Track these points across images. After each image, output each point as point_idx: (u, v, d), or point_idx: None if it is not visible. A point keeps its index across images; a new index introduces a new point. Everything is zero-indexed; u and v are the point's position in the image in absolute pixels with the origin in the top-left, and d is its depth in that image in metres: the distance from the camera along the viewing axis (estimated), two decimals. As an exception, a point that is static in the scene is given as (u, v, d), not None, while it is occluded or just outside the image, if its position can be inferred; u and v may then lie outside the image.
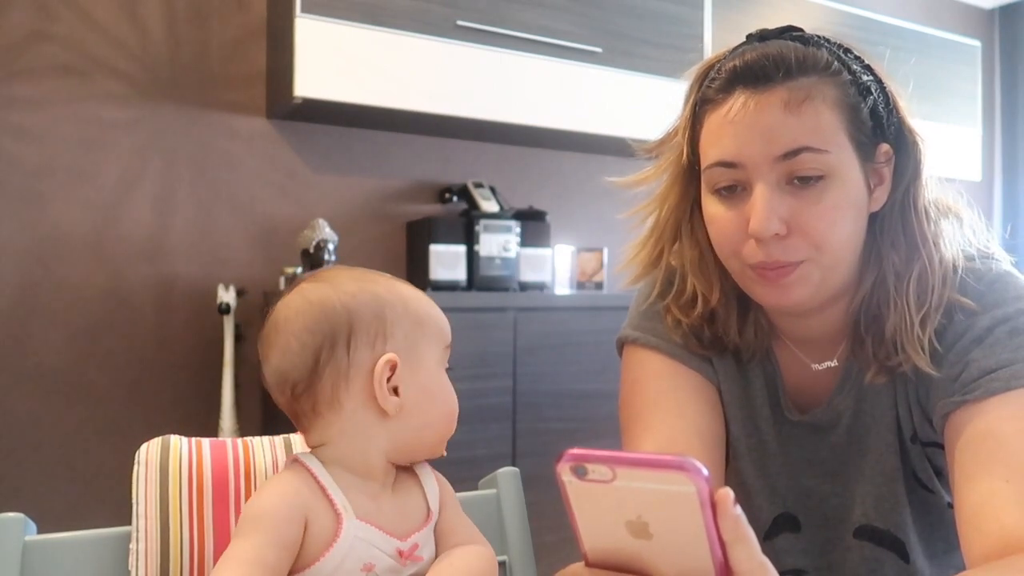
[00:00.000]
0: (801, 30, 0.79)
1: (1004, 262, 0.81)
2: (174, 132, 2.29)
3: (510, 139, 2.73)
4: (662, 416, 0.83)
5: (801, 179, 0.73)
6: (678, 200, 0.85)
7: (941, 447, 0.78)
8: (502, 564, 0.84)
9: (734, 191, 0.76)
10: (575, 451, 0.44)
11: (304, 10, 2.11)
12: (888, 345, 0.78)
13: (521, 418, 2.25)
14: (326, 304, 0.67)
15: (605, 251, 2.81)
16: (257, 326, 2.37)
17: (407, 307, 0.70)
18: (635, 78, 2.64)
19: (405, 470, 0.73)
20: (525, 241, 2.51)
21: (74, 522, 0.92)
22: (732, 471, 0.92)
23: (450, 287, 2.37)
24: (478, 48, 2.37)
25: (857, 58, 0.77)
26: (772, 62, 0.73)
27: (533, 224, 2.55)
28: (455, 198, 2.56)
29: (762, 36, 0.79)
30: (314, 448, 0.69)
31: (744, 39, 0.80)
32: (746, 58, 0.75)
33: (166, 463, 0.79)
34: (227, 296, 2.23)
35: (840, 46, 0.78)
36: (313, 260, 2.21)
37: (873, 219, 0.79)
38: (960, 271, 0.78)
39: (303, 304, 0.68)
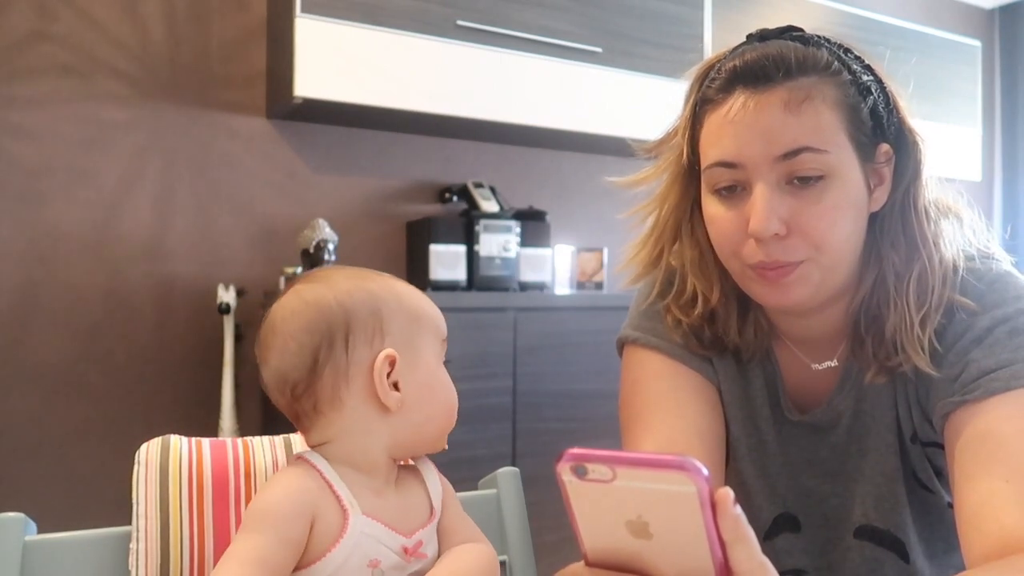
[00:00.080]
0: (801, 30, 0.79)
1: (1004, 262, 0.81)
2: (174, 132, 2.29)
3: (510, 139, 2.73)
4: (662, 416, 0.83)
5: (801, 179, 0.73)
6: (678, 200, 0.85)
7: (941, 447, 0.78)
8: (502, 564, 0.84)
9: (734, 191, 0.76)
10: (575, 451, 0.44)
11: (304, 10, 2.11)
12: (888, 345, 0.78)
13: (521, 418, 2.25)
14: (322, 303, 0.68)
15: (605, 251, 2.81)
16: (257, 326, 2.37)
17: (402, 303, 0.70)
18: (635, 78, 2.64)
19: (407, 468, 0.73)
20: (525, 241, 2.51)
21: (74, 522, 0.92)
22: (732, 471, 0.92)
23: (450, 287, 2.37)
24: (478, 48, 2.37)
25: (857, 58, 0.77)
26: (772, 62, 0.73)
27: (533, 224, 2.55)
28: (455, 198, 2.57)
29: (762, 36, 0.79)
30: (316, 447, 0.69)
31: (744, 39, 0.80)
32: (746, 58, 0.75)
33: (166, 463, 0.79)
34: (227, 296, 2.23)
35: (840, 46, 0.78)
36: (313, 260, 2.21)
37: (873, 219, 0.79)
38: (960, 271, 0.78)
39: (299, 304, 0.68)
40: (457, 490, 0.77)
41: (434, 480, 0.73)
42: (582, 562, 0.48)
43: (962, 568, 0.68)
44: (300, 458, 0.69)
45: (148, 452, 0.80)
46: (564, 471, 0.44)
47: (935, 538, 0.87)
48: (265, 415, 2.38)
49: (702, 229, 0.83)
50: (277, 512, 0.62)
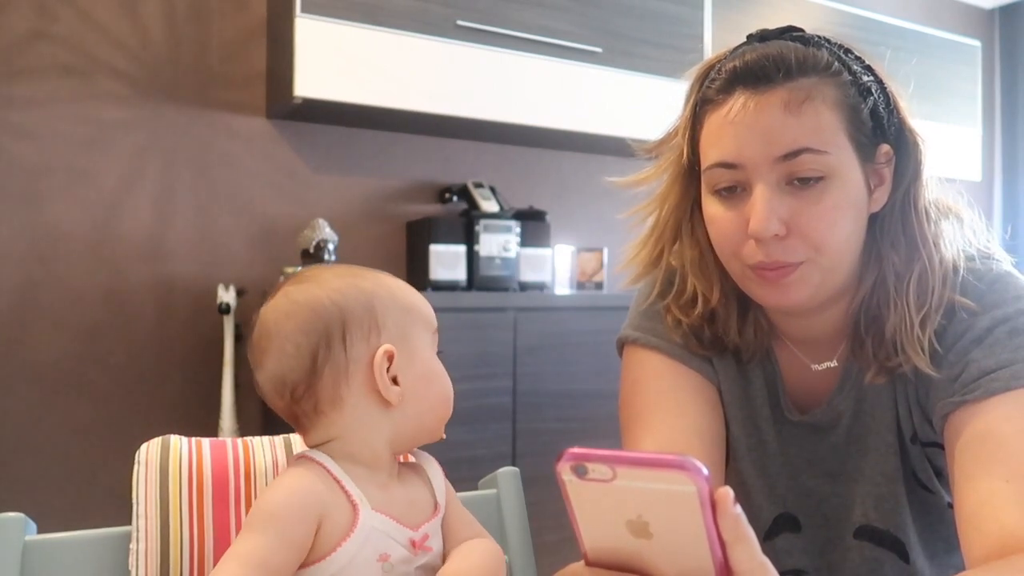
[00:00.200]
0: (801, 30, 0.79)
1: (1004, 262, 0.81)
2: (174, 132, 2.29)
3: (510, 139, 2.73)
4: (662, 416, 0.83)
5: (801, 180, 0.73)
6: (678, 200, 0.85)
7: (941, 447, 0.78)
8: (502, 564, 0.84)
9: (734, 191, 0.76)
10: (575, 450, 0.44)
11: (304, 10, 2.11)
12: (888, 346, 0.78)
13: (521, 418, 2.25)
14: (315, 303, 0.68)
15: (605, 251, 2.81)
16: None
17: (394, 297, 0.71)
18: (635, 78, 2.64)
19: (408, 465, 0.74)
20: (525, 241, 2.51)
21: (74, 522, 0.92)
22: (732, 471, 0.92)
23: (450, 287, 2.37)
24: (478, 48, 2.37)
25: (857, 58, 0.77)
26: (772, 63, 0.73)
27: (533, 224, 2.55)
28: (455, 198, 2.57)
29: (762, 36, 0.79)
30: (318, 446, 0.69)
31: (744, 39, 0.80)
32: (746, 58, 0.75)
33: (166, 463, 0.79)
34: (227, 296, 2.23)
35: (840, 46, 0.78)
36: (313, 260, 2.21)
37: (873, 219, 0.79)
38: (960, 271, 0.78)
39: (291, 306, 0.68)
40: (457, 490, 0.77)
41: (437, 475, 0.73)
42: (582, 562, 0.49)
43: (962, 568, 0.68)
44: (303, 457, 0.69)
45: (148, 452, 0.80)
46: (564, 470, 0.44)
47: (935, 538, 0.87)
48: (265, 415, 2.38)
49: (702, 229, 0.83)
50: (281, 513, 0.62)
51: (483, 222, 2.42)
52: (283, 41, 2.22)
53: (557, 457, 0.44)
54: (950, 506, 0.83)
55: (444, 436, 0.73)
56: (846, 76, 0.75)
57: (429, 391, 0.70)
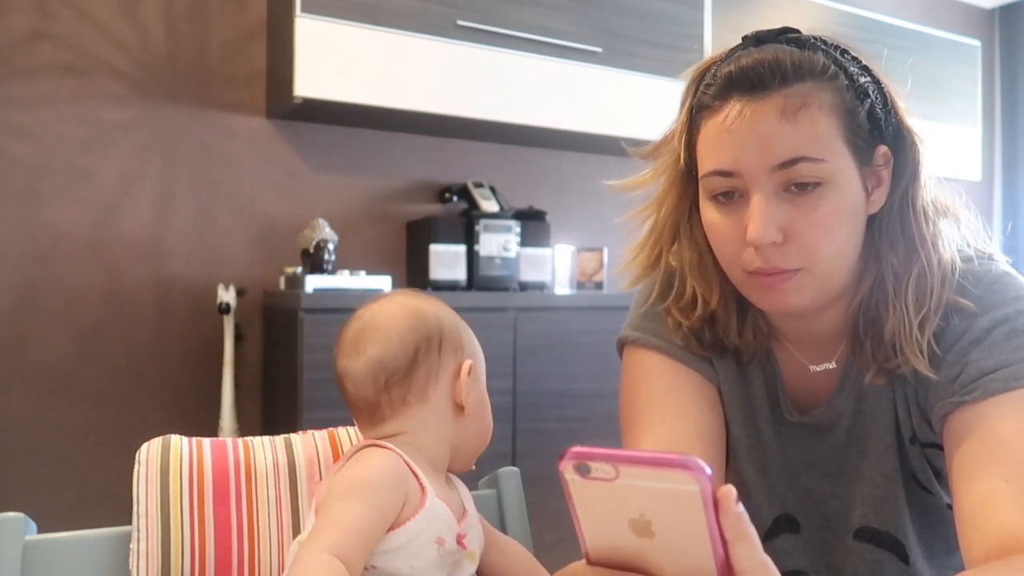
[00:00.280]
0: (798, 32, 0.78)
1: (1002, 263, 0.81)
2: (174, 132, 2.29)
3: (510, 139, 2.73)
4: (662, 416, 0.83)
5: (798, 185, 0.73)
6: (676, 202, 0.85)
7: (940, 448, 0.77)
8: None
9: (731, 197, 0.76)
10: (578, 449, 0.44)
11: (304, 10, 2.11)
12: (887, 347, 0.78)
13: (521, 418, 2.26)
14: (421, 312, 0.78)
15: (605, 251, 2.81)
16: (257, 326, 2.38)
17: (469, 331, 0.83)
18: (635, 78, 2.64)
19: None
20: (525, 241, 2.51)
21: (74, 522, 0.92)
22: (732, 471, 0.92)
23: (450, 287, 2.37)
24: (478, 48, 2.37)
25: (854, 59, 0.77)
26: (768, 68, 0.73)
27: (533, 224, 2.55)
28: (455, 198, 2.57)
29: (758, 39, 0.78)
30: (387, 437, 0.75)
31: (740, 41, 0.80)
32: (741, 63, 0.74)
33: (167, 463, 0.79)
34: (227, 296, 2.23)
35: (837, 47, 0.77)
36: (313, 260, 2.21)
37: (872, 220, 0.79)
38: (958, 272, 0.77)
39: (401, 310, 0.78)
40: (458, 490, 0.80)
41: (463, 486, 0.81)
42: (583, 560, 0.48)
43: (961, 569, 0.68)
44: (374, 445, 0.73)
45: (148, 452, 0.80)
46: (567, 469, 0.44)
47: (935, 539, 0.87)
48: (265, 415, 2.38)
49: (700, 231, 0.83)
50: (376, 483, 0.68)
51: (483, 222, 2.42)
52: (283, 41, 2.22)
53: (560, 456, 0.44)
54: (949, 507, 0.83)
55: (474, 467, 0.82)
56: (843, 79, 0.74)
57: (485, 415, 0.81)
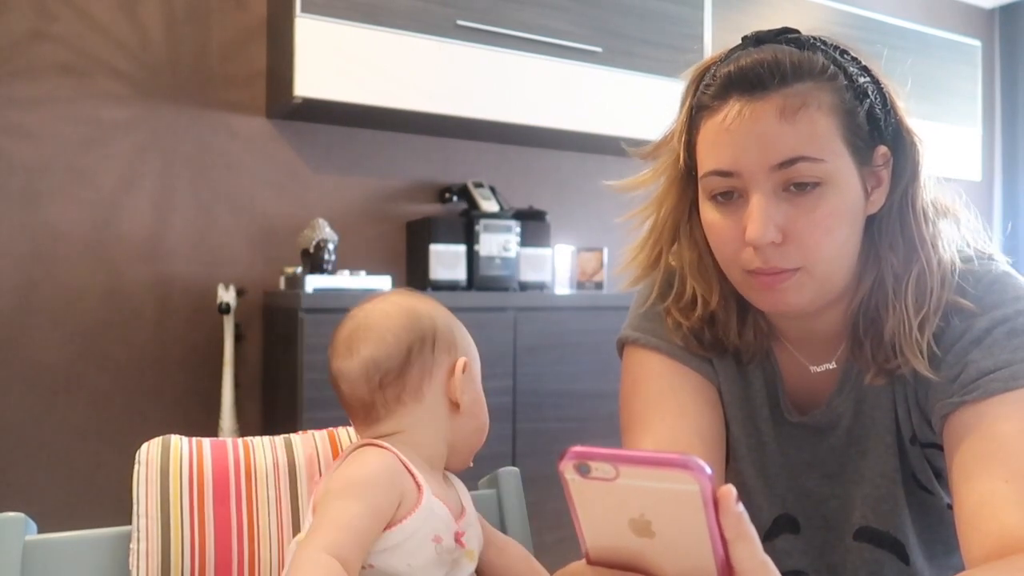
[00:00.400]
0: (797, 32, 0.78)
1: (1002, 263, 0.81)
2: (174, 132, 2.29)
3: (510, 139, 2.73)
4: (662, 416, 0.83)
5: (797, 185, 0.73)
6: (675, 203, 0.85)
7: (940, 448, 0.77)
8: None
9: (731, 197, 0.76)
10: (578, 449, 0.44)
11: (304, 10, 2.11)
12: (887, 348, 0.78)
13: (521, 418, 2.26)
14: (415, 311, 0.78)
15: (605, 251, 2.81)
16: (257, 326, 2.38)
17: (463, 329, 0.83)
18: (635, 78, 2.64)
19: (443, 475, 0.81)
20: (525, 241, 2.51)
21: (74, 522, 0.92)
22: (732, 472, 0.92)
23: (450, 287, 2.37)
24: (478, 48, 2.37)
25: (854, 59, 0.77)
26: (767, 68, 0.73)
27: (533, 224, 2.55)
28: (455, 198, 2.57)
29: (758, 39, 0.78)
30: (384, 437, 0.75)
31: (740, 41, 0.80)
32: (741, 64, 0.74)
33: (167, 463, 0.79)
34: (227, 296, 2.23)
35: (836, 47, 0.77)
36: (313, 260, 2.21)
37: (871, 221, 0.79)
38: (958, 273, 0.77)
39: (394, 309, 0.78)
40: (458, 490, 0.80)
41: (461, 485, 0.81)
42: (583, 560, 0.48)
43: (961, 569, 0.68)
44: (370, 444, 0.73)
45: (148, 452, 0.80)
46: (567, 469, 0.44)
47: (935, 540, 0.87)
48: (265, 415, 2.38)
49: (700, 231, 0.83)
50: (372, 483, 0.68)
51: (483, 222, 2.42)
52: (283, 41, 2.22)
53: (560, 456, 0.44)
54: (949, 507, 0.83)
55: (472, 464, 0.83)
56: (842, 80, 0.74)
57: (481, 412, 0.81)
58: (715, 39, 2.77)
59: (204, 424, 2.27)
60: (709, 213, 0.78)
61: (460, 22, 2.33)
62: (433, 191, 2.65)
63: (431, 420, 0.77)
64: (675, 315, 0.87)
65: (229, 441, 0.83)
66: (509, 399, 2.23)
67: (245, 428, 2.32)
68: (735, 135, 0.73)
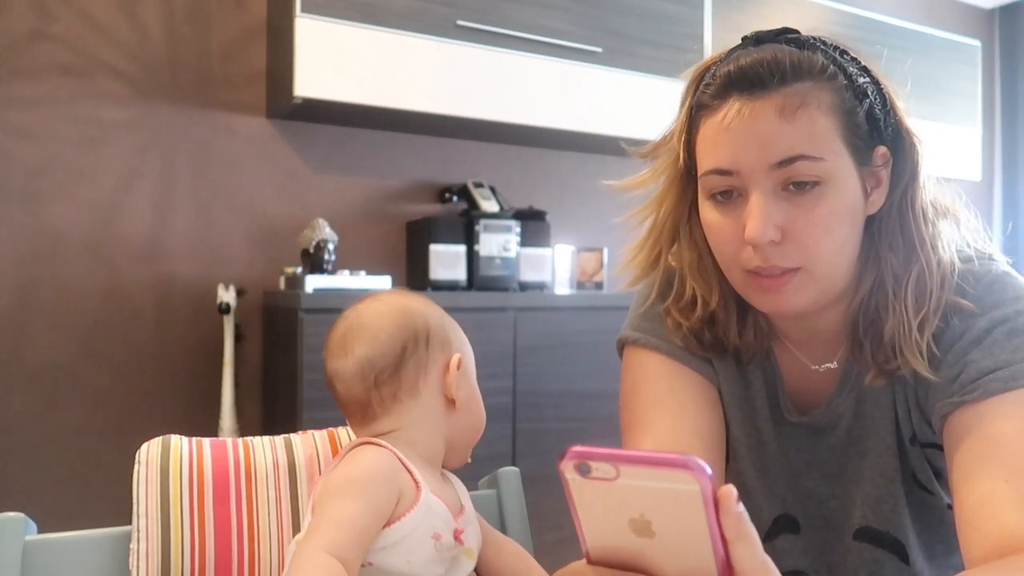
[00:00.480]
0: (797, 32, 0.78)
1: (1002, 263, 0.81)
2: (174, 132, 2.29)
3: (510, 139, 2.73)
4: (662, 416, 0.83)
5: (797, 185, 0.73)
6: (675, 203, 0.85)
7: (940, 448, 0.77)
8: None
9: (730, 196, 0.76)
10: (579, 449, 0.44)
11: (304, 10, 2.11)
12: (887, 349, 0.78)
13: (521, 418, 2.25)
14: (407, 310, 0.79)
15: (605, 251, 2.81)
16: (257, 326, 2.38)
17: (457, 326, 0.83)
18: (635, 78, 2.64)
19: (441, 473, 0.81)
20: (525, 241, 2.51)
21: (74, 522, 0.92)
22: (732, 472, 0.92)
23: (450, 287, 2.37)
24: (478, 48, 2.37)
25: (854, 59, 0.77)
26: (767, 68, 0.73)
27: (533, 224, 2.55)
28: (455, 198, 2.57)
29: (757, 39, 0.78)
30: (381, 435, 0.75)
31: (740, 41, 0.80)
32: (740, 63, 0.74)
33: (167, 463, 0.79)
34: (227, 296, 2.23)
35: (836, 47, 0.77)
36: (313, 260, 2.21)
37: (871, 221, 0.79)
38: (958, 273, 0.77)
39: (387, 308, 0.79)
40: (458, 490, 0.80)
41: (459, 483, 0.81)
42: (583, 560, 0.48)
43: (961, 569, 0.68)
44: (367, 442, 0.74)
45: (149, 452, 0.80)
46: (567, 469, 0.44)
47: (935, 540, 0.87)
48: (265, 415, 2.38)
49: (700, 231, 0.83)
50: (370, 481, 0.68)
51: (483, 222, 2.42)
52: (283, 41, 2.22)
53: (560, 456, 0.44)
54: (949, 507, 0.83)
55: (470, 460, 0.83)
56: (842, 79, 0.74)
57: (477, 408, 0.82)
58: (715, 39, 2.77)
59: (204, 424, 2.27)
60: (708, 213, 0.78)
61: (460, 22, 2.33)
62: (433, 191, 2.65)
63: (427, 417, 0.77)
64: (675, 316, 0.87)
65: (229, 441, 0.83)
66: (509, 399, 2.23)
67: (245, 428, 2.32)
68: (735, 134, 0.73)
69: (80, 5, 2.17)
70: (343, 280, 2.13)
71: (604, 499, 0.44)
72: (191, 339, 2.30)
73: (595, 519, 0.46)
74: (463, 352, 0.81)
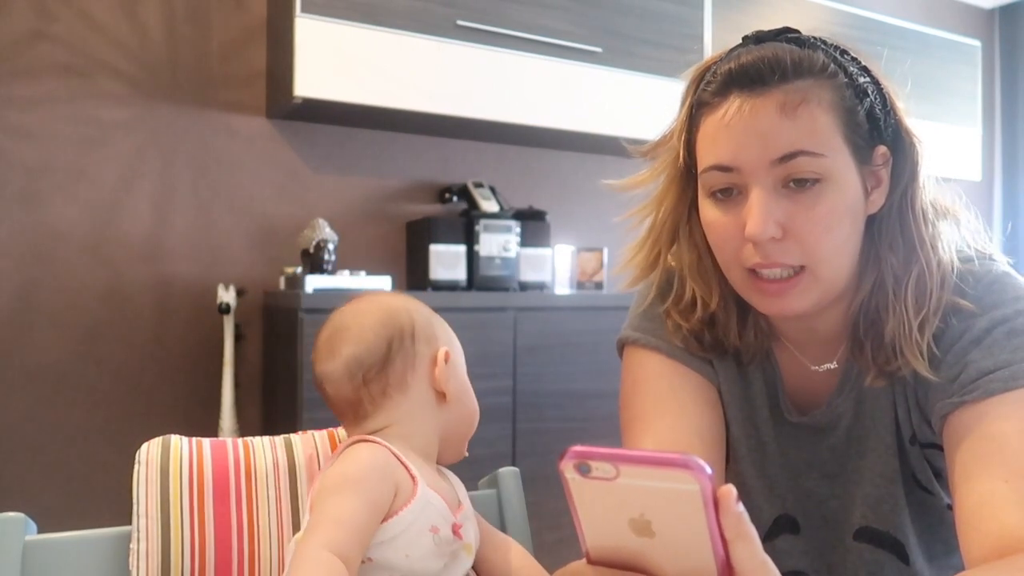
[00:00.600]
0: (797, 32, 0.79)
1: (1002, 263, 0.81)
2: (174, 132, 2.29)
3: (510, 139, 2.73)
4: (662, 416, 0.83)
5: (797, 182, 0.73)
6: (675, 202, 0.85)
7: (940, 449, 0.77)
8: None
9: (730, 194, 0.76)
10: (579, 448, 0.44)
11: (304, 10, 2.11)
12: (887, 349, 0.78)
13: (521, 418, 2.25)
14: (391, 308, 0.80)
15: (605, 251, 2.81)
16: (257, 326, 2.37)
17: (443, 322, 0.84)
18: (635, 78, 2.64)
19: (438, 469, 0.81)
20: (525, 241, 2.51)
21: (74, 522, 0.92)
22: (732, 472, 0.92)
23: (450, 287, 2.37)
24: (478, 48, 2.37)
25: (854, 59, 0.77)
26: (767, 65, 0.73)
27: (533, 224, 2.55)
28: (455, 198, 2.57)
29: (758, 38, 0.78)
30: (374, 433, 0.75)
31: (740, 41, 0.80)
32: (741, 61, 0.74)
33: (167, 463, 0.79)
34: (227, 296, 2.23)
35: (837, 47, 0.77)
36: (313, 260, 2.21)
37: (871, 221, 0.79)
38: (958, 273, 0.77)
39: (371, 307, 0.80)
40: (458, 490, 0.81)
41: (456, 479, 0.82)
42: (583, 560, 0.48)
43: (961, 569, 0.68)
44: (362, 440, 0.74)
45: (148, 452, 0.80)
46: (567, 469, 0.44)
47: (935, 540, 0.87)
48: (265, 415, 2.38)
49: (700, 232, 0.83)
50: (366, 478, 0.69)
51: (483, 222, 2.42)
52: (283, 41, 2.22)
53: (560, 455, 0.44)
54: (949, 508, 0.83)
55: (467, 454, 0.83)
56: (842, 78, 0.74)
57: (468, 400, 0.83)
58: (715, 39, 2.77)
59: (204, 424, 2.27)
60: (709, 210, 0.78)
61: (460, 22, 2.33)
62: (433, 191, 2.65)
63: (419, 412, 0.78)
64: (675, 317, 0.87)
65: (229, 441, 0.83)
66: (509, 399, 2.23)
67: (245, 428, 2.32)
68: (735, 130, 0.73)
69: (80, 5, 2.17)
70: (343, 280, 2.13)
71: (604, 499, 0.44)
72: (191, 339, 2.30)
73: (595, 519, 0.46)
74: (450, 346, 0.81)
